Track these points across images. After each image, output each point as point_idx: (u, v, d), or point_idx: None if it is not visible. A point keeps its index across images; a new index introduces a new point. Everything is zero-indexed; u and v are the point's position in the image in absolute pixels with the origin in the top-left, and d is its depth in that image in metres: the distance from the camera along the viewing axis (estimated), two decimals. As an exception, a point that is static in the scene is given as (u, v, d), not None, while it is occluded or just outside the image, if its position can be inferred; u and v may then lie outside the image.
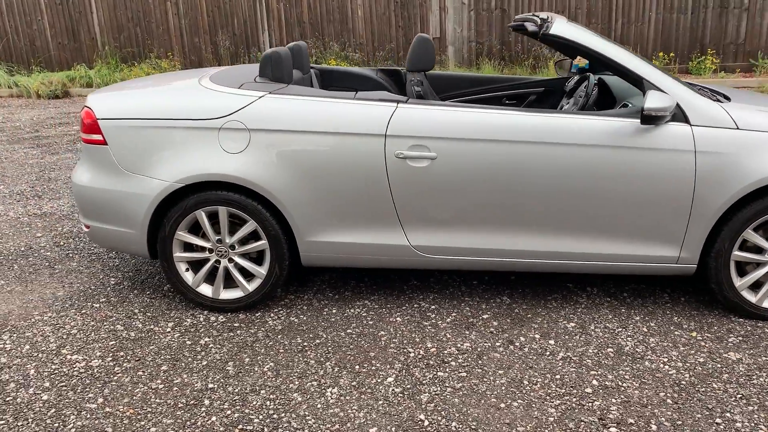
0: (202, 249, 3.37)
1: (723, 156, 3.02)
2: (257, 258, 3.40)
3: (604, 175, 3.07)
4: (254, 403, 2.64)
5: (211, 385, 2.76)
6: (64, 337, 3.20)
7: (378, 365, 2.89)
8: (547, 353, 2.95)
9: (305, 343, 3.09)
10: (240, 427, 2.49)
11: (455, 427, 2.46)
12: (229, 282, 3.41)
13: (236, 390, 2.73)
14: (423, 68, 3.50)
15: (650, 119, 2.94)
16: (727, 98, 3.35)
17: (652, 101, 2.91)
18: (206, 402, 2.65)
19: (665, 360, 2.88)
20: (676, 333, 3.11)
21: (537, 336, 3.11)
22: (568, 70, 4.74)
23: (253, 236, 3.34)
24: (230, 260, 3.36)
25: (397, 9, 11.51)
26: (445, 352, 2.98)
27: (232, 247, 3.34)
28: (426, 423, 2.49)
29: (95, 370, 2.90)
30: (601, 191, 3.08)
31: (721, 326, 3.17)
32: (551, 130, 3.07)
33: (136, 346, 3.09)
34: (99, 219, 3.42)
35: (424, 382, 2.76)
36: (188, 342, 3.12)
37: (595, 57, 3.16)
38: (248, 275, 3.39)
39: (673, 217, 3.10)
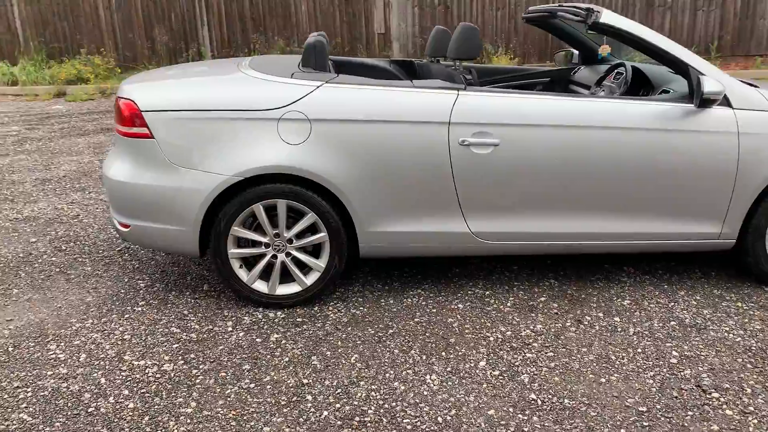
0: (257, 244, 3.26)
1: (762, 136, 3.24)
2: (311, 251, 3.32)
3: (657, 157, 3.22)
4: (359, 394, 2.59)
5: (305, 381, 2.69)
6: (119, 343, 3.01)
7: (464, 350, 2.90)
8: (618, 330, 3.07)
9: (379, 334, 3.06)
10: (357, 419, 2.45)
11: (568, 403, 2.52)
12: (283, 277, 3.31)
13: (334, 383, 2.67)
14: (470, 56, 3.52)
15: (708, 102, 3.12)
16: (755, 86, 3.58)
17: (711, 86, 3.08)
18: (309, 397, 2.58)
19: (726, 329, 3.06)
20: (723, 304, 3.31)
21: (600, 314, 3.22)
22: (567, 62, 4.91)
23: (309, 229, 3.26)
24: (287, 254, 3.27)
25: (341, 4, 11.46)
26: (522, 334, 3.04)
27: (290, 241, 3.25)
28: (539, 402, 2.53)
29: (172, 375, 2.75)
30: (655, 173, 3.23)
31: (759, 296, 3.39)
32: (610, 114, 3.19)
33: (204, 348, 2.96)
34: (142, 217, 3.23)
35: (516, 363, 2.80)
36: (258, 340, 3.02)
37: (641, 45, 3.30)
38: (302, 269, 3.31)
39: (718, 196, 3.29)
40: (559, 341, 2.97)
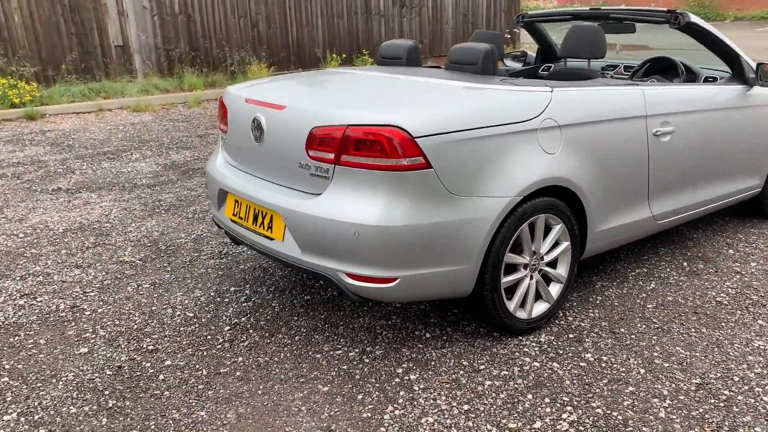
0: (515, 269, 2.99)
1: (780, 104, 4.28)
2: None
3: (740, 129, 3.98)
4: (754, 383, 2.72)
5: (695, 383, 2.68)
6: (472, 416, 2.48)
7: (729, 317, 3.22)
8: (771, 271, 3.75)
9: (654, 327, 3.15)
10: (791, 392, 2.60)
11: None
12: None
13: (728, 375, 2.73)
14: (599, 55, 3.66)
15: None
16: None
17: (786, 71, 3.96)
18: (711, 400, 2.61)
19: (811, 254, 4.01)
20: (776, 238, 4.27)
21: (740, 263, 3.85)
22: (518, 61, 5.38)
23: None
24: (539, 272, 3.08)
25: (66, 13, 9.68)
26: (733, 293, 3.48)
27: (541, 258, 3.07)
28: None
29: (594, 420, 2.44)
30: (738, 142, 3.99)
31: (779, 228, 4.47)
32: (718, 98, 3.82)
33: (556, 389, 2.64)
34: (415, 264, 2.66)
35: (776, 314, 3.25)
36: (581, 364, 2.82)
37: (712, 40, 3.97)
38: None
39: (761, 155, 4.22)
40: (763, 290, 3.50)
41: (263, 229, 2.97)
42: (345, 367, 2.82)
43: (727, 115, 3.87)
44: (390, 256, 2.61)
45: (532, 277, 3.03)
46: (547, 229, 3.05)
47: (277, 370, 2.80)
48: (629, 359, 2.84)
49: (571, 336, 3.04)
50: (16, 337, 3.09)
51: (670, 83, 3.89)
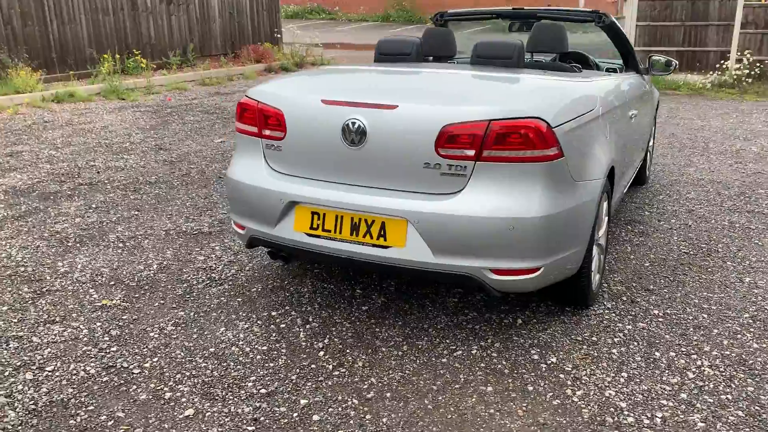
0: (587, 245, 3.26)
1: (653, 90, 5.20)
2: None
3: (644, 110, 4.76)
4: (771, 304, 3.38)
5: (739, 324, 3.25)
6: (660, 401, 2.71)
7: (707, 264, 3.91)
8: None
9: (670, 281, 3.68)
10: (808, 311, 3.31)
11: (788, 258, 4.00)
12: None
13: None
14: (563, 50, 3.97)
15: (672, 71, 4.84)
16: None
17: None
18: (774, 319, 3.22)
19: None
20: (700, 191, 5.21)
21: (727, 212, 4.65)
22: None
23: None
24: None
25: None
26: None
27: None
28: (787, 263, 3.92)
29: (706, 371, 2.83)
30: (643, 120, 4.77)
31: (663, 183, 5.44)
32: (632, 85, 4.51)
33: (662, 348, 3.00)
34: (557, 250, 2.76)
35: None
36: (655, 324, 3.21)
37: (621, 39, 4.65)
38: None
39: (648, 130, 5.10)
40: (703, 239, 4.29)
41: (370, 238, 2.76)
42: (482, 365, 2.78)
43: (642, 99, 4.60)
44: (541, 246, 2.67)
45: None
46: (595, 207, 3.35)
47: (422, 383, 2.66)
48: (686, 308, 3.30)
49: (624, 299, 3.40)
50: (78, 419, 2.41)
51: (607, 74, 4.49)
